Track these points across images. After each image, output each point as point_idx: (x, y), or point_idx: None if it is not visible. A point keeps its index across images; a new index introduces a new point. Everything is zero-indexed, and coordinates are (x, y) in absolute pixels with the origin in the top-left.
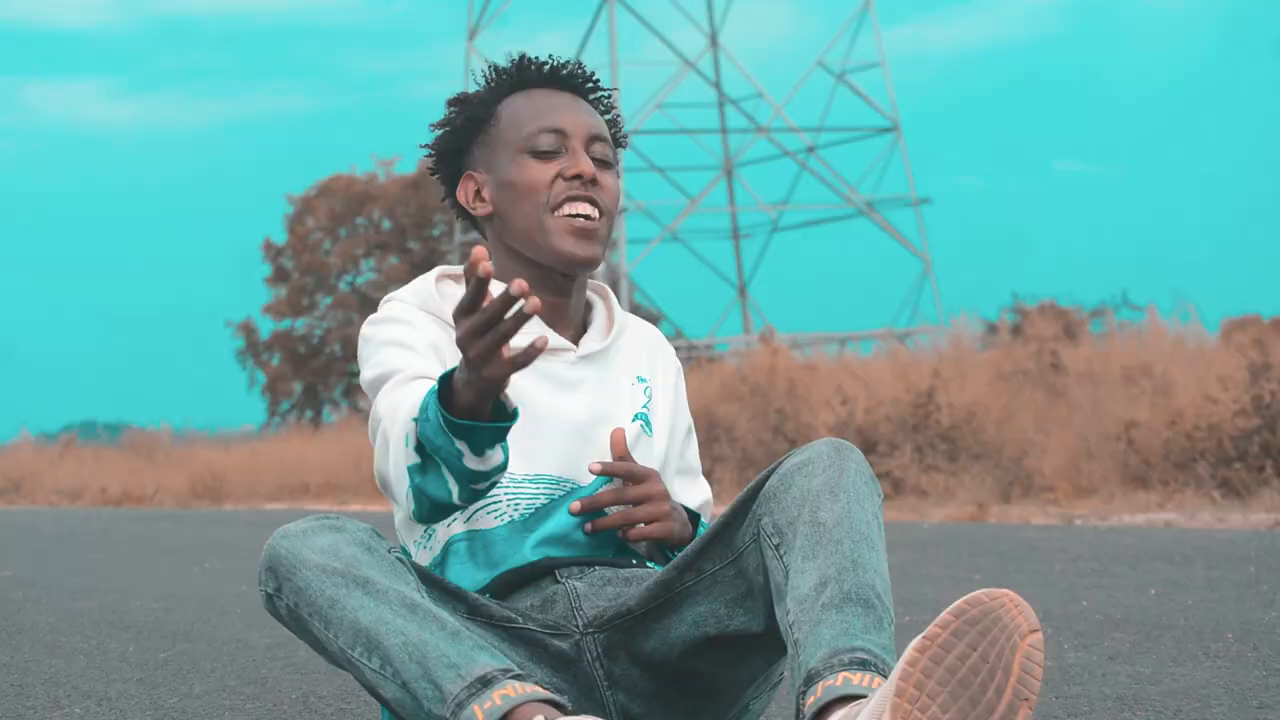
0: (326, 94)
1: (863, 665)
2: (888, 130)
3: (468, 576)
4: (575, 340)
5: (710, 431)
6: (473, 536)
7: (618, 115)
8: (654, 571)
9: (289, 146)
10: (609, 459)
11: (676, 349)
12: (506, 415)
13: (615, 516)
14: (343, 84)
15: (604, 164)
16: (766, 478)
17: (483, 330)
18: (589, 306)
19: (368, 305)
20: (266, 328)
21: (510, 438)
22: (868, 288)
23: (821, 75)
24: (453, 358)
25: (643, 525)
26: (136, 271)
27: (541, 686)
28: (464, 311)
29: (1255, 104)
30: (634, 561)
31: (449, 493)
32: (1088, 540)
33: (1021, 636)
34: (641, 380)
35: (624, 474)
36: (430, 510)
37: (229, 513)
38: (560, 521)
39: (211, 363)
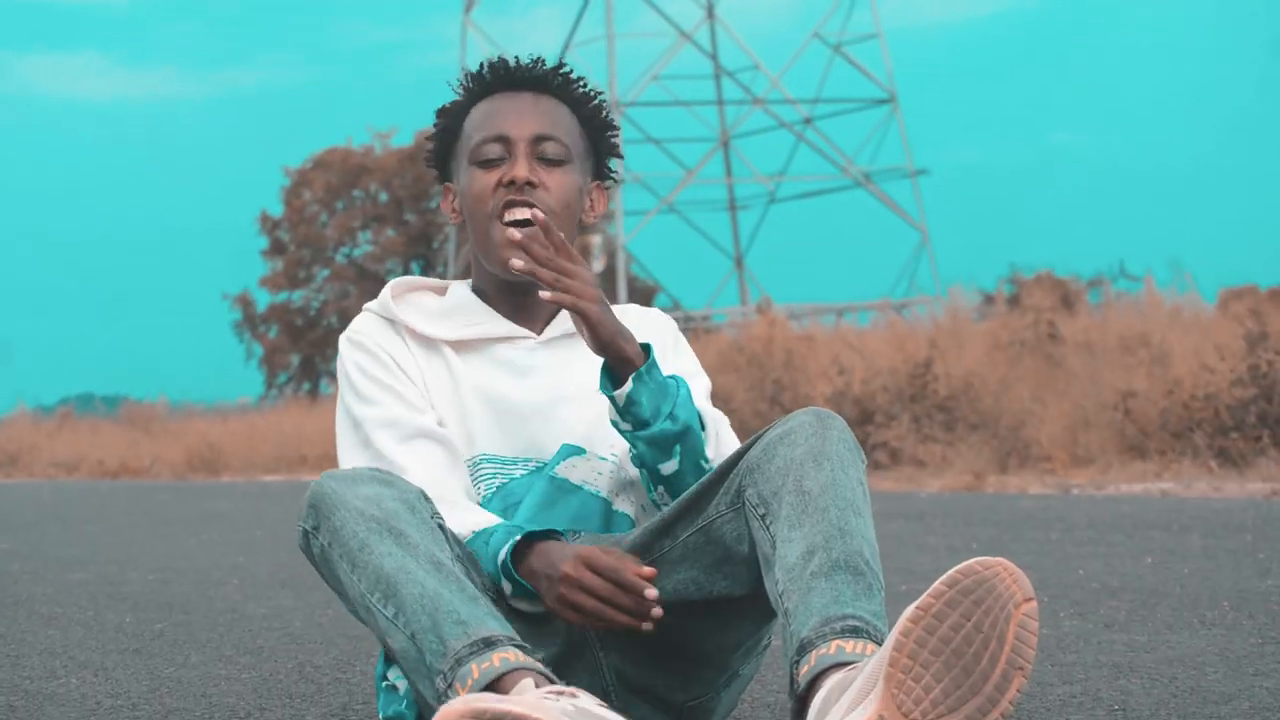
0: (323, 66)
1: (855, 632)
2: (884, 102)
3: None
4: (541, 331)
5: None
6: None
7: (600, 103)
8: (632, 531)
9: (285, 119)
10: (571, 437)
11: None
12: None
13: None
14: (339, 56)
15: (552, 162)
16: (749, 447)
17: (594, 589)
18: None
19: (365, 277)
20: (263, 300)
21: (468, 424)
22: (865, 259)
23: (818, 47)
24: (422, 375)
25: (559, 287)
26: (133, 244)
27: (542, 662)
28: (593, 566)
29: (1251, 75)
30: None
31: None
32: (1084, 509)
33: (1016, 606)
34: None
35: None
36: None
37: (226, 485)
38: (533, 500)
39: (209, 335)
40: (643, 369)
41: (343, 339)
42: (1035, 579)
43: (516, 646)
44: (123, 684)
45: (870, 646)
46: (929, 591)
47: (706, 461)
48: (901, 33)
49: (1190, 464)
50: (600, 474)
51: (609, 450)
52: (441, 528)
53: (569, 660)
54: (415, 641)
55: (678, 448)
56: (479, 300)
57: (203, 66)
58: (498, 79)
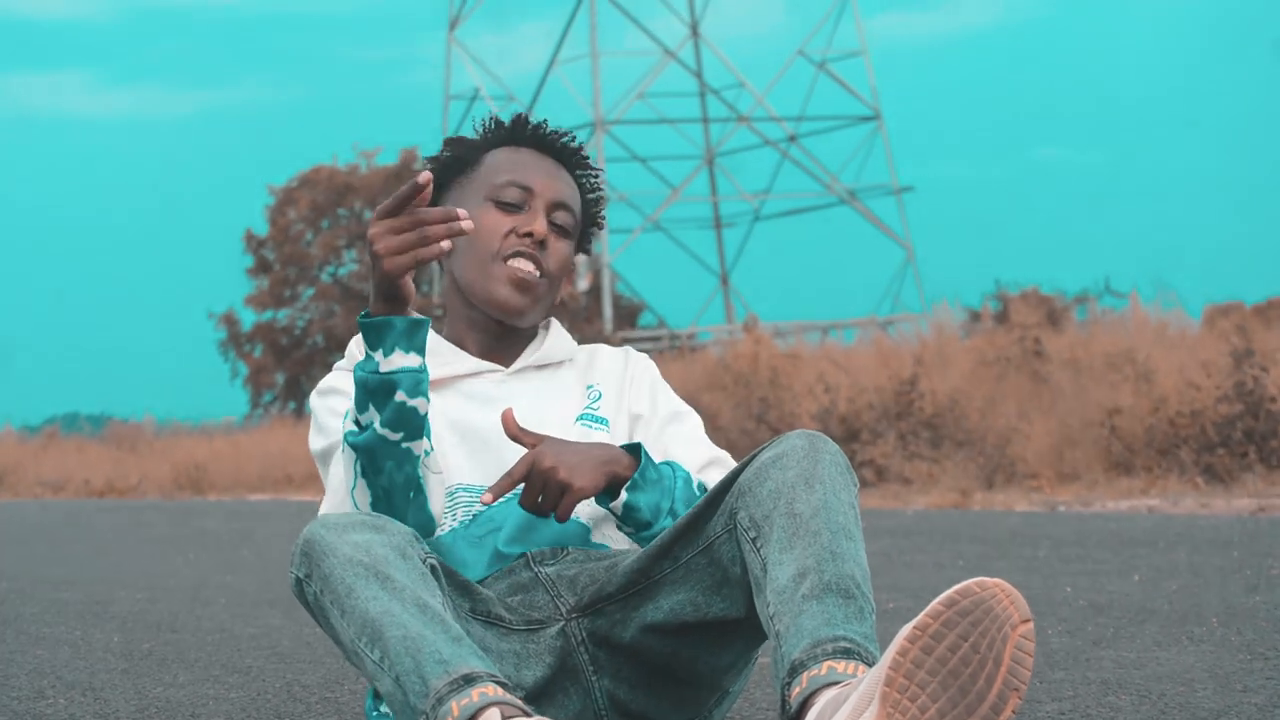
0: (308, 85)
1: (846, 654)
2: (869, 119)
3: None
4: (509, 365)
5: None
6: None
7: (602, 196)
8: (626, 550)
9: (270, 137)
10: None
11: (659, 338)
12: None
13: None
14: (324, 74)
15: (561, 231)
16: (741, 469)
17: (399, 227)
18: (532, 337)
19: (350, 296)
20: (248, 319)
21: (443, 456)
22: (850, 276)
23: (803, 64)
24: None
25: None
26: (119, 263)
27: (534, 685)
28: (387, 211)
29: (1237, 90)
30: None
31: (372, 424)
32: (1071, 527)
33: (1013, 627)
34: (590, 387)
35: (508, 487)
36: (371, 473)
37: (212, 503)
38: (515, 523)
39: (194, 354)
40: (635, 475)
41: (313, 394)
42: (1023, 595)
43: (497, 683)
44: (111, 704)
45: (862, 668)
46: (926, 611)
47: None
48: (886, 50)
49: (1176, 481)
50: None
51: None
52: (434, 569)
53: (561, 683)
54: (400, 684)
55: None
56: (445, 342)
57: (187, 84)
58: (529, 135)
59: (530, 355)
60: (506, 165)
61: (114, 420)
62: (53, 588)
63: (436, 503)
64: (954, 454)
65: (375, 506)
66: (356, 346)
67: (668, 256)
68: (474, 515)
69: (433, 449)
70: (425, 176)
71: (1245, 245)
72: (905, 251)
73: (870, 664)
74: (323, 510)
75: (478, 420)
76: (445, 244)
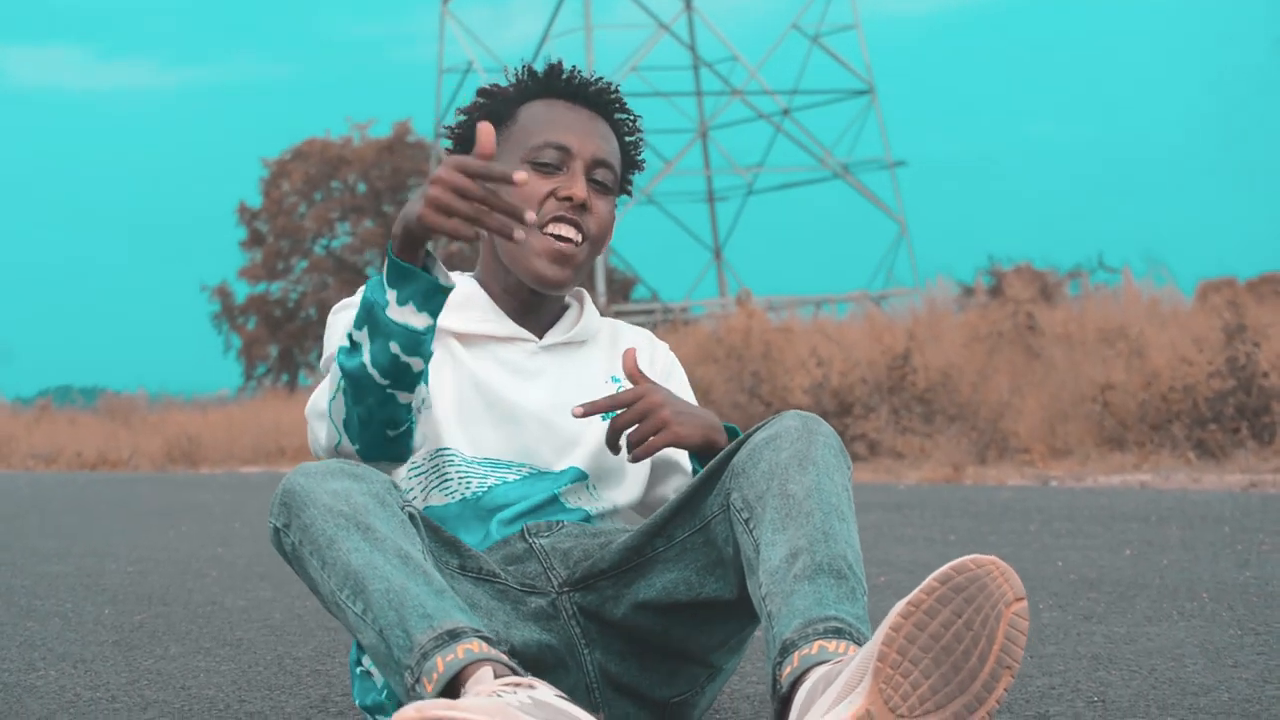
0: (301, 58)
1: (837, 633)
2: (863, 93)
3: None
4: (542, 336)
5: None
6: (432, 514)
7: (640, 139)
8: (623, 528)
9: (264, 111)
10: (569, 448)
11: (652, 312)
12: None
13: (611, 434)
14: (318, 49)
15: (602, 189)
16: (736, 449)
17: (465, 191)
18: (565, 308)
19: (344, 269)
20: (242, 291)
21: (464, 417)
22: (843, 250)
23: (796, 38)
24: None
25: (648, 440)
26: (112, 236)
27: (508, 655)
28: (469, 171)
29: (1230, 66)
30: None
31: (362, 356)
32: (1063, 501)
33: (1007, 605)
34: (615, 381)
35: (609, 407)
36: (352, 398)
37: (205, 476)
38: (517, 506)
39: (187, 327)
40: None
41: (335, 308)
42: (1014, 569)
43: (482, 638)
44: (102, 676)
45: (853, 648)
46: (921, 587)
47: None
48: (879, 24)
49: (1168, 456)
50: (596, 505)
51: (610, 500)
52: (412, 517)
53: (553, 654)
54: (383, 637)
55: None
56: (486, 296)
57: (181, 59)
58: (566, 85)
59: (563, 331)
60: (543, 122)
61: (107, 392)
62: (44, 560)
63: (420, 433)
64: (946, 428)
65: (347, 426)
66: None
67: (661, 230)
68: (487, 488)
69: (430, 404)
70: (521, 176)
71: (1238, 221)
72: (898, 226)
73: (861, 644)
74: (311, 400)
75: (508, 391)
76: (484, 233)
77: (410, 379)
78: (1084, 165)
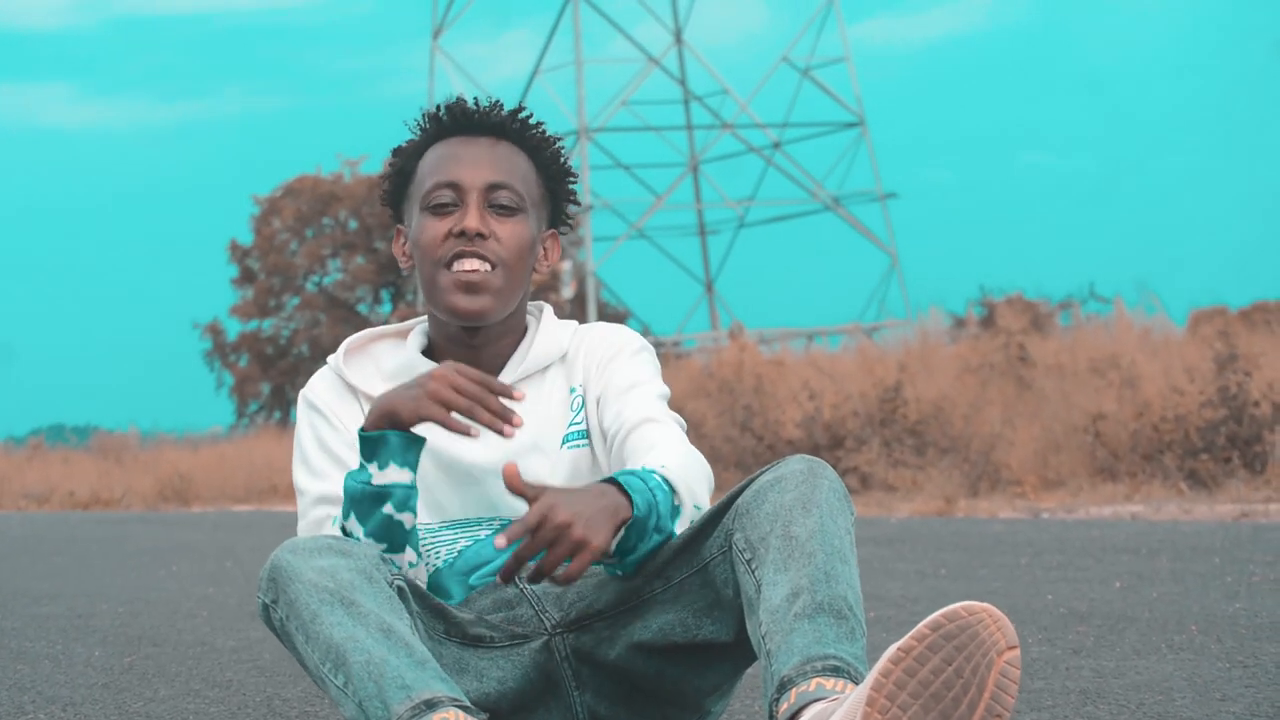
0: (291, 94)
1: (835, 672)
2: (853, 125)
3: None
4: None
5: None
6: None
7: (557, 150)
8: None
9: (254, 147)
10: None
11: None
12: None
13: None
14: (308, 84)
15: (505, 211)
16: (740, 491)
17: (464, 391)
18: (524, 332)
19: (335, 305)
20: (233, 329)
21: (422, 487)
22: (835, 283)
23: (787, 71)
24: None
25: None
26: (103, 274)
27: (515, 698)
28: (469, 378)
29: (1221, 96)
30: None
31: (356, 535)
32: (1054, 533)
33: (999, 653)
34: (573, 391)
35: (521, 532)
36: None
37: (197, 515)
38: (494, 563)
39: (179, 365)
40: (636, 516)
41: (300, 396)
42: (1004, 604)
43: (459, 706)
44: (91, 719)
45: (850, 686)
46: (912, 634)
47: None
48: (870, 56)
49: (1160, 486)
50: None
51: None
52: (401, 591)
53: (543, 698)
54: (363, 709)
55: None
56: (425, 360)
57: (170, 95)
58: (454, 122)
59: (516, 365)
60: (434, 166)
61: (99, 431)
62: (34, 602)
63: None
64: (938, 461)
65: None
66: (341, 360)
67: (652, 264)
68: (458, 552)
69: (419, 560)
70: (520, 394)
71: (1229, 250)
72: (890, 258)
73: (859, 684)
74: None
75: (462, 451)
76: (475, 430)
77: (402, 536)
78: (1075, 196)
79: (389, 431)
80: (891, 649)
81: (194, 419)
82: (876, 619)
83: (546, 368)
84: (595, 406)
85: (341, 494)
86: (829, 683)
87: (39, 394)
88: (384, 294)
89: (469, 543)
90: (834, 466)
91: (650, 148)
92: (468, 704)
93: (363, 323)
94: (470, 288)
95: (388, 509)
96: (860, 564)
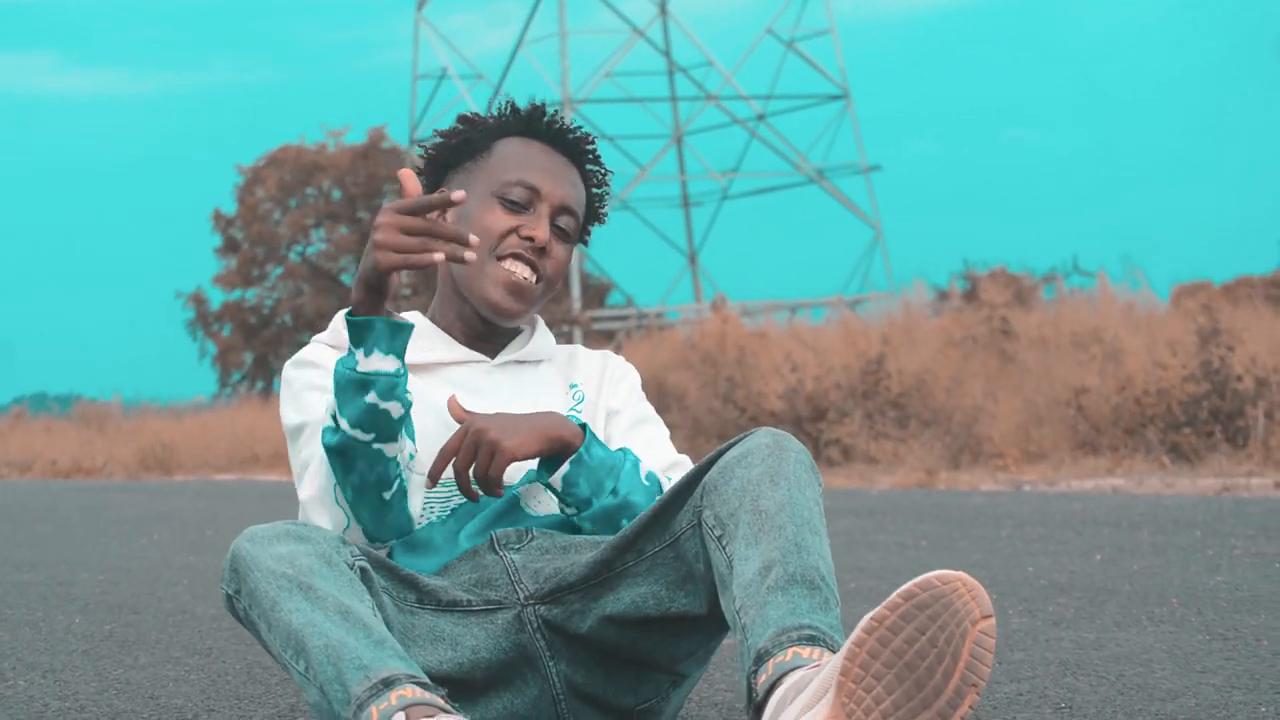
0: (276, 65)
1: (811, 640)
2: (838, 98)
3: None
4: (494, 356)
5: (661, 400)
6: (405, 542)
7: (607, 192)
8: (592, 540)
9: (239, 117)
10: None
11: (626, 318)
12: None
13: (460, 483)
14: (292, 55)
15: (563, 235)
16: (708, 465)
17: (409, 227)
18: (518, 332)
19: (319, 275)
20: (217, 298)
21: (425, 445)
22: (818, 255)
23: (771, 43)
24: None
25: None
26: (87, 243)
27: (443, 698)
28: (405, 209)
29: (1205, 71)
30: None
31: (342, 425)
32: (1035, 506)
33: (973, 623)
34: (574, 386)
35: (444, 462)
36: (341, 472)
37: (179, 484)
38: (484, 515)
39: (162, 334)
40: (580, 450)
41: (288, 365)
42: (985, 576)
43: (416, 683)
44: (71, 686)
45: (826, 654)
46: (885, 603)
47: None
48: (854, 28)
49: (1142, 460)
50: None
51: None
52: (364, 572)
53: (519, 668)
54: (324, 692)
55: (624, 521)
56: (434, 326)
57: (156, 65)
58: (544, 128)
59: (515, 350)
60: (516, 161)
61: (82, 400)
62: (15, 569)
63: (416, 503)
64: (920, 433)
65: (354, 507)
66: (340, 322)
67: (636, 235)
68: (451, 509)
69: (416, 452)
70: (459, 195)
71: (1213, 225)
72: (873, 231)
73: (835, 651)
74: (303, 494)
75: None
76: (438, 256)
77: (391, 426)
78: (1059, 169)
79: (375, 317)
80: (865, 619)
81: (177, 388)
82: (856, 590)
83: (539, 362)
84: (604, 417)
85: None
86: (805, 651)
87: (21, 362)
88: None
89: (462, 500)
90: (816, 438)
91: (634, 119)
92: (426, 680)
93: (346, 293)
94: (516, 290)
95: (371, 398)
96: (841, 535)
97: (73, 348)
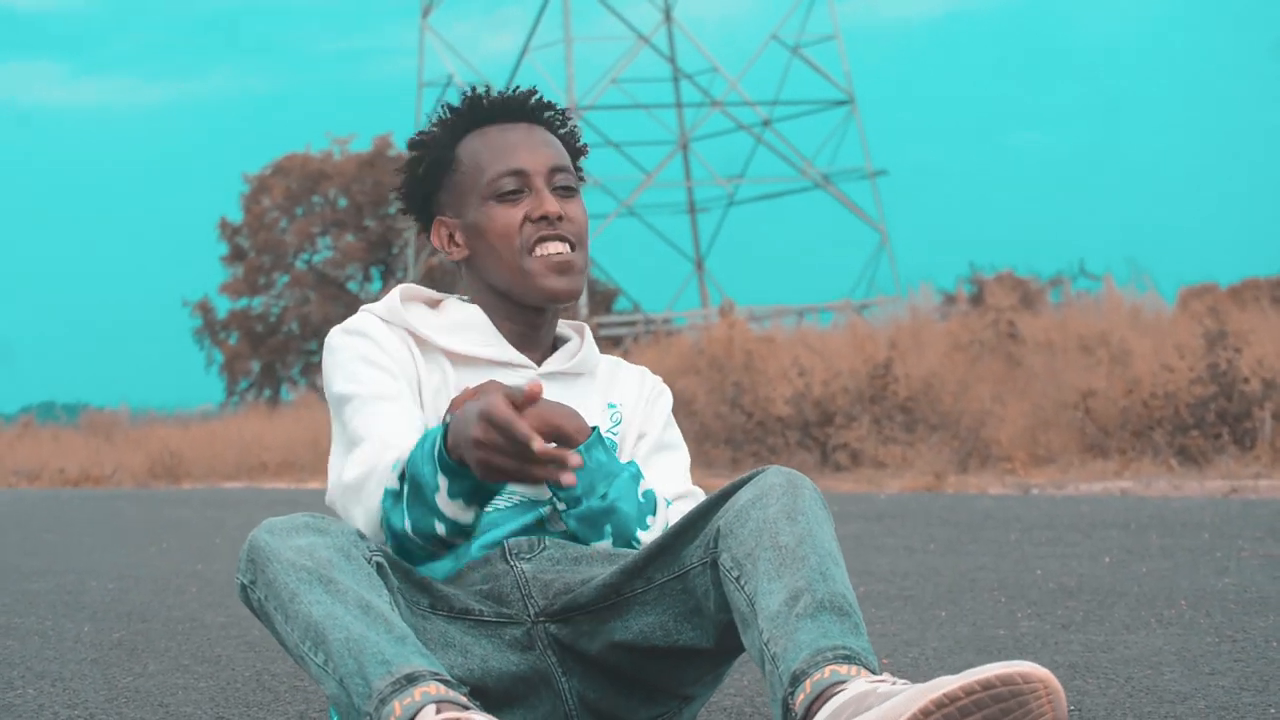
0: (282, 73)
1: (848, 659)
2: (843, 103)
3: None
4: (540, 362)
5: None
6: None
7: (575, 129)
8: (603, 552)
9: (245, 126)
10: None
11: (633, 323)
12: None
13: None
14: (298, 63)
15: (568, 192)
16: (721, 500)
17: (504, 450)
18: (564, 340)
19: (325, 283)
20: (224, 307)
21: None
22: (825, 260)
23: (776, 49)
24: (419, 375)
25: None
26: (94, 252)
27: (477, 689)
28: (493, 435)
29: (1211, 73)
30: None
31: (405, 524)
32: (1043, 509)
33: None
34: (612, 406)
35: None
36: (389, 539)
37: (187, 492)
38: (500, 530)
39: (169, 342)
40: (579, 449)
41: (336, 331)
42: (993, 579)
43: (440, 680)
44: (80, 694)
45: (865, 672)
46: (962, 684)
47: (638, 543)
48: (859, 34)
49: (1150, 463)
50: None
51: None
52: (381, 567)
53: (531, 683)
54: (344, 686)
55: (608, 527)
56: (489, 322)
57: (160, 74)
58: (489, 110)
59: (563, 360)
60: (486, 156)
61: (89, 409)
62: (24, 578)
63: None
64: (928, 437)
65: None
66: (396, 299)
67: (642, 241)
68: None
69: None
70: (536, 387)
71: (1219, 227)
72: (880, 235)
73: (873, 670)
74: (348, 473)
75: None
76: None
77: (448, 548)
78: (1065, 172)
79: (473, 475)
80: (938, 691)
81: (184, 396)
82: (866, 594)
83: (580, 375)
84: (634, 439)
85: (398, 398)
86: (843, 669)
87: (29, 371)
88: (374, 272)
89: (489, 510)
90: (824, 443)
91: (640, 125)
92: (448, 677)
93: (353, 300)
94: (562, 268)
95: (439, 529)
96: (849, 539)
97: (80, 356)
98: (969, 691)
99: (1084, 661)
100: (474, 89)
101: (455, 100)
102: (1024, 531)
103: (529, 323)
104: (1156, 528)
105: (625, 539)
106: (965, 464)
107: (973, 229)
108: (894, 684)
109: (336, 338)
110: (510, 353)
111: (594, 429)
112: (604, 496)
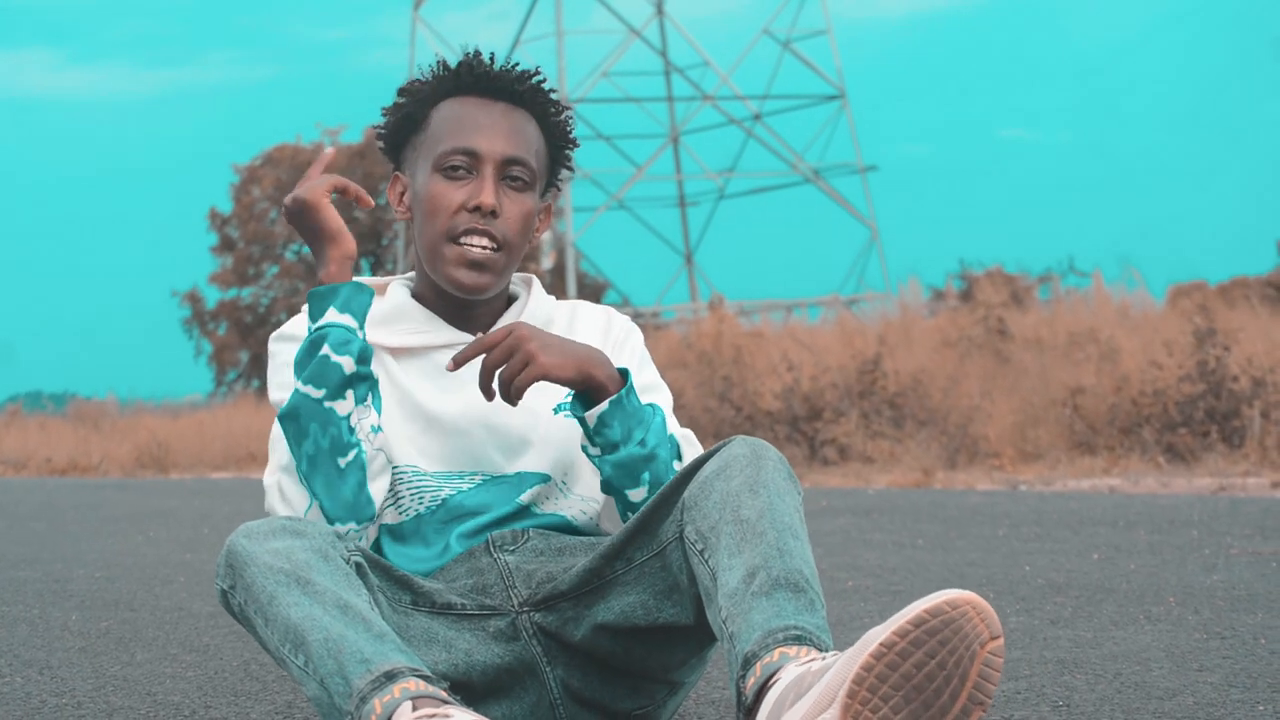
0: (272, 63)
1: (797, 640)
2: (834, 98)
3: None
4: (488, 330)
5: None
6: (389, 531)
7: (568, 119)
8: (587, 541)
9: (235, 116)
10: (520, 448)
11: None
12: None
13: (483, 378)
14: (289, 54)
15: (518, 185)
16: (690, 474)
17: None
18: (511, 299)
19: (314, 274)
20: (212, 297)
21: (408, 434)
22: (815, 255)
23: (767, 43)
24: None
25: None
26: (82, 242)
27: (446, 691)
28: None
29: (1201, 71)
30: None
31: (297, 385)
32: (1031, 506)
33: (981, 645)
34: None
35: (477, 351)
36: (295, 439)
37: (174, 482)
38: (480, 518)
39: (158, 332)
40: (621, 394)
41: (272, 338)
42: (981, 575)
43: (419, 676)
44: (68, 682)
45: (813, 653)
46: (894, 629)
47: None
48: (851, 28)
49: (1138, 460)
50: (573, 508)
51: (590, 495)
52: (359, 567)
53: (516, 674)
54: (324, 686)
55: (646, 474)
56: (419, 306)
57: (151, 64)
58: (474, 80)
59: (510, 320)
60: (450, 126)
61: (77, 398)
62: (11, 566)
63: (381, 485)
64: (916, 433)
65: (309, 480)
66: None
67: (632, 235)
68: (441, 501)
69: (381, 427)
70: (330, 152)
71: (1209, 225)
72: (870, 231)
73: (822, 650)
74: (267, 476)
75: (448, 405)
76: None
77: (341, 380)
78: (1055, 170)
79: (340, 284)
80: (873, 643)
81: (172, 386)
82: (854, 589)
83: None
84: None
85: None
86: (791, 650)
87: (16, 360)
88: (363, 263)
89: (453, 493)
90: (812, 437)
91: (631, 119)
92: (428, 673)
93: None
94: (475, 265)
95: (324, 349)
96: (837, 534)
97: (68, 346)
98: (903, 634)
99: (1072, 657)
100: (475, 54)
101: (455, 63)
102: (1012, 527)
103: (457, 300)
104: (1145, 524)
105: (658, 487)
106: (954, 460)
107: (963, 225)
108: (824, 659)
109: (271, 344)
110: (445, 333)
111: (625, 371)
112: (643, 443)
